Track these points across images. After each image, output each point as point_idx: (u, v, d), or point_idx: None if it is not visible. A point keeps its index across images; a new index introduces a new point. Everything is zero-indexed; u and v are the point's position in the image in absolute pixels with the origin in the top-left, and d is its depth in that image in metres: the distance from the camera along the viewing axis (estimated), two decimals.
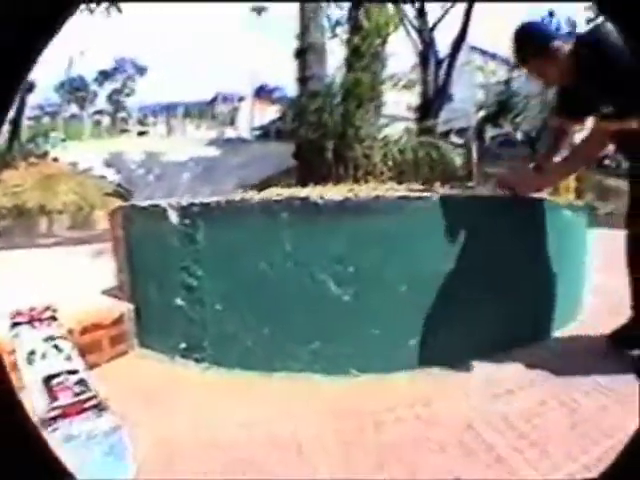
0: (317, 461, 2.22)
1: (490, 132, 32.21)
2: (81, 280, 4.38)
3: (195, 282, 3.23)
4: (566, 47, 3.31)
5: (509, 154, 24.78)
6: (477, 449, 2.27)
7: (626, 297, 3.36)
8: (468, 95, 43.34)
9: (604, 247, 5.21)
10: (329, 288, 3.04)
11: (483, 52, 59.74)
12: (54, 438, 2.20)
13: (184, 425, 2.54)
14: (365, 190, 3.57)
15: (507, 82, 40.88)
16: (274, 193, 3.34)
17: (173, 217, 3.26)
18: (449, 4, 25.92)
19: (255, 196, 3.28)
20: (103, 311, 3.43)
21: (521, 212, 3.59)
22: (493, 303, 3.34)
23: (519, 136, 31.08)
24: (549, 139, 3.90)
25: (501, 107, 33.72)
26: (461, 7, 25.72)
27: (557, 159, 3.79)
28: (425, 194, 3.21)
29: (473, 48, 46.35)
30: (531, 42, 3.39)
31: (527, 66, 3.50)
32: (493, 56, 61.76)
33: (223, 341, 3.20)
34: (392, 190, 3.67)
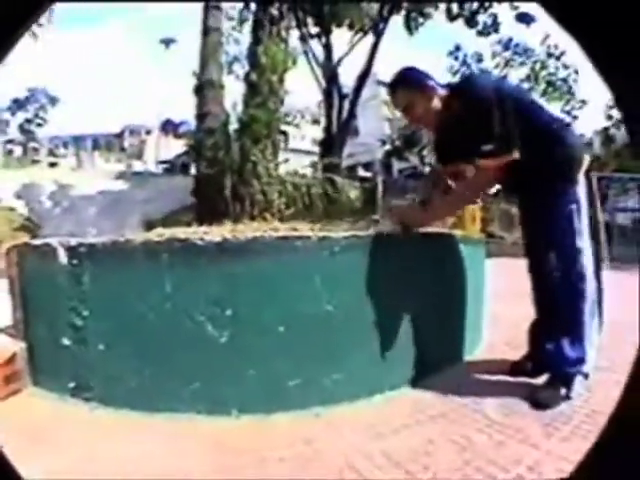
0: None
1: (397, 165, 32.63)
2: None
3: (81, 322, 3.23)
4: (440, 91, 3.62)
5: (416, 187, 25.15)
6: None
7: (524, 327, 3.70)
8: (374, 129, 43.95)
9: (507, 276, 5.46)
10: (207, 330, 3.07)
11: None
12: None
13: (72, 461, 2.55)
14: (247, 229, 3.64)
15: None
16: (157, 234, 3.37)
17: (62, 257, 3.26)
18: (356, 39, 26.21)
19: (139, 237, 3.29)
20: None
21: (415, 247, 3.73)
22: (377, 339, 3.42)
23: (426, 169, 31.58)
24: (430, 178, 4.27)
25: (406, 140, 34.21)
26: (368, 41, 26.06)
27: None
28: (305, 234, 3.28)
29: (379, 82, 47.00)
30: (407, 81, 3.67)
31: (400, 103, 3.73)
32: None
33: (109, 381, 3.20)
34: (274, 230, 3.76)
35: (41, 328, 3.50)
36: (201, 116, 11.91)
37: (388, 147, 35.80)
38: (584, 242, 3.43)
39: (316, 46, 26.55)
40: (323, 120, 27.80)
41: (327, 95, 26.35)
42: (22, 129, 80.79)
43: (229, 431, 2.93)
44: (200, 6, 15.90)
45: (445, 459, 2.57)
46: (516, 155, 3.33)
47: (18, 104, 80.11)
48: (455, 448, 2.68)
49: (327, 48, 26.62)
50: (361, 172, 27.76)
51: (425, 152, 33.08)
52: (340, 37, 27.83)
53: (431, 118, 3.68)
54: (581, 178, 3.49)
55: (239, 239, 3.16)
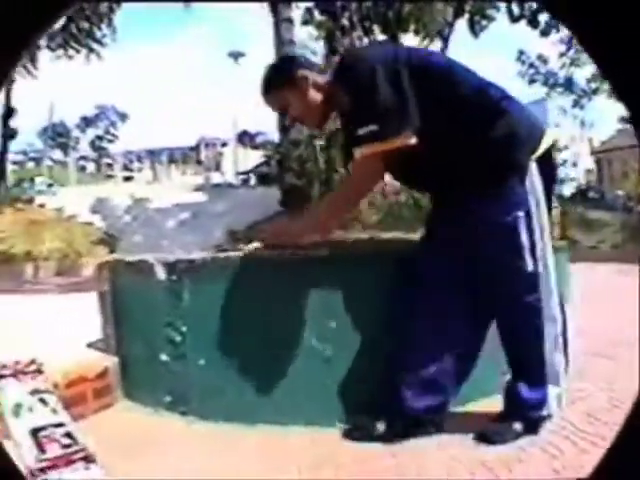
0: None
1: None
2: (67, 331, 4.38)
3: (180, 337, 3.25)
4: (318, 79, 3.03)
5: None
6: None
7: None
8: None
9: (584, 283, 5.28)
10: (311, 342, 3.07)
11: None
12: None
13: (168, 474, 2.56)
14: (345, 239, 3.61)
15: None
16: (254, 247, 3.32)
17: (160, 273, 3.29)
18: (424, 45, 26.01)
19: (237, 252, 3.29)
20: (88, 364, 3.45)
21: None
22: None
23: None
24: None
25: None
26: (436, 47, 25.94)
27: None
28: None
29: None
30: (270, 79, 3.13)
31: (270, 97, 3.16)
32: None
33: (207, 395, 3.21)
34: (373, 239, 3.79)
35: (136, 343, 3.54)
36: (285, 128, 11.95)
37: None
38: (539, 262, 2.78)
39: None
40: None
41: None
42: (93, 146, 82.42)
43: (332, 444, 2.89)
44: (270, 19, 16.04)
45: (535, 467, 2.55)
46: (410, 139, 2.66)
47: (87, 121, 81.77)
48: (545, 456, 2.63)
49: None
50: None
51: None
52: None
53: (313, 114, 3.10)
54: (533, 167, 2.76)
55: (342, 250, 3.19)
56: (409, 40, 26.02)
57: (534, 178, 2.75)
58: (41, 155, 66.41)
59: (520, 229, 2.72)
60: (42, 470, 2.34)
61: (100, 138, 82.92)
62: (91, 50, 26.64)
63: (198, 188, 22.60)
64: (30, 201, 25.88)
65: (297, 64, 3.10)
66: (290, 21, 13.86)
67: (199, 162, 77.74)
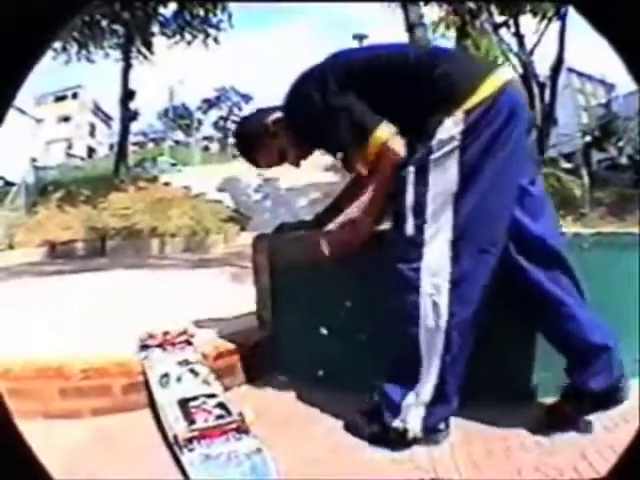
0: None
1: (596, 156, 31.36)
2: (213, 304, 4.37)
3: (341, 312, 3.16)
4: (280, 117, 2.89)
5: (617, 179, 24.08)
6: None
7: None
8: (572, 118, 42.63)
9: None
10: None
11: (580, 74, 58.83)
12: (190, 458, 2.26)
13: (322, 450, 2.49)
14: None
15: (607, 104, 39.96)
16: None
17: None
18: (542, 25, 25.30)
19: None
20: (240, 337, 3.45)
21: None
22: None
23: (624, 160, 30.20)
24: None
25: (604, 130, 32.78)
26: (555, 29, 25.34)
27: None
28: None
29: (570, 70, 45.55)
30: (248, 134, 3.03)
31: (258, 160, 3.06)
32: (589, 77, 60.93)
33: (361, 371, 3.02)
34: None
35: (291, 318, 3.47)
36: None
37: (588, 138, 34.52)
38: (428, 229, 2.39)
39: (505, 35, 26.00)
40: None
41: (526, 85, 25.77)
42: (217, 127, 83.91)
43: None
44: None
45: None
46: (385, 133, 2.49)
47: (209, 103, 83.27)
48: None
49: (519, 37, 26.02)
50: (562, 164, 26.77)
51: (622, 143, 31.66)
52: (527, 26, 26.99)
53: (292, 151, 2.97)
54: (450, 122, 2.36)
55: None
56: (526, 20, 25.65)
57: (452, 132, 2.35)
58: (162, 136, 68.12)
59: (407, 184, 2.42)
60: (190, 440, 2.33)
61: (224, 119, 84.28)
62: (207, 35, 27.19)
63: (329, 168, 22.40)
64: (154, 180, 26.57)
65: (261, 117, 2.97)
66: (416, 3, 13.77)
67: None
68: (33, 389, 2.86)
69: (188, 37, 27.37)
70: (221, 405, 2.60)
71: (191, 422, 2.45)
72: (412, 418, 2.44)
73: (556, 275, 2.52)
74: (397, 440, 2.45)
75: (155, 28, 27.41)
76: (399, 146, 2.51)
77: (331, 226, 3.05)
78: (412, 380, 2.46)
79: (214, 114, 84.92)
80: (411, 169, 2.41)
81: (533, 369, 2.93)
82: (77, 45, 26.27)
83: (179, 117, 77.98)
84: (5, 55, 1.65)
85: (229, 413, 2.52)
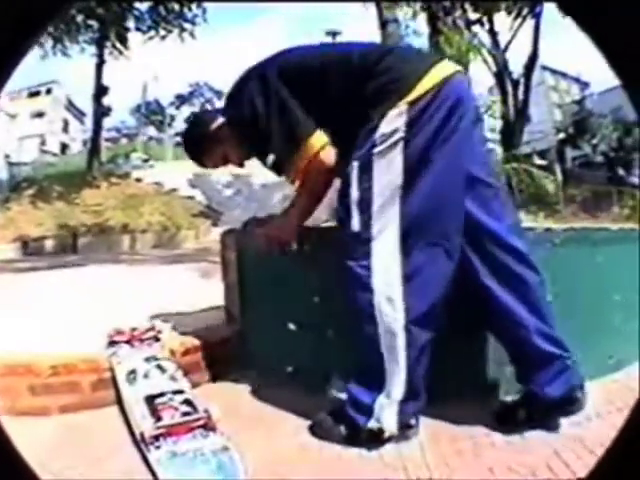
0: None
1: (570, 153, 31.62)
2: (183, 300, 4.35)
3: (310, 307, 3.12)
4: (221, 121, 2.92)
5: (591, 176, 24.34)
6: None
7: None
8: (545, 116, 42.90)
9: None
10: None
11: (553, 71, 59.20)
12: (156, 455, 2.26)
13: (290, 448, 2.47)
14: None
15: (581, 101, 40.30)
16: None
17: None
18: (517, 23, 25.45)
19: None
20: (207, 333, 3.43)
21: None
22: None
23: (598, 157, 30.49)
24: None
25: (578, 127, 33.02)
26: (528, 26, 25.55)
27: None
28: (530, 225, 3.15)
29: (544, 68, 45.80)
30: (193, 139, 3.07)
31: (204, 162, 3.09)
32: (563, 75, 61.32)
33: (331, 367, 3.02)
34: None
35: (260, 312, 3.44)
36: None
37: (562, 135, 34.72)
38: (375, 225, 2.36)
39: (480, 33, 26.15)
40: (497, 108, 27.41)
41: (500, 81, 25.94)
42: None
43: None
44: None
45: None
46: (319, 140, 2.53)
47: (182, 99, 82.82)
48: None
49: (492, 34, 26.16)
50: (536, 160, 26.99)
51: (596, 140, 31.93)
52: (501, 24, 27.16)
53: (239, 153, 2.99)
54: (394, 114, 2.33)
55: None
56: (500, 18, 25.82)
57: (396, 124, 2.31)
58: (135, 132, 67.68)
59: (351, 180, 2.39)
60: (157, 438, 2.33)
61: None
62: (183, 30, 27.14)
63: None
64: (126, 176, 26.45)
65: (203, 124, 3.01)
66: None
67: None
68: (2, 386, 2.84)
69: (163, 32, 27.29)
70: (188, 402, 2.59)
71: (157, 419, 2.44)
72: (386, 417, 2.41)
73: (510, 277, 2.47)
74: (370, 440, 2.42)
75: (130, 23, 27.33)
76: (330, 156, 2.55)
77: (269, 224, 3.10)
78: (379, 380, 2.43)
79: (187, 110, 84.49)
80: (355, 164, 2.38)
81: (497, 364, 2.90)
82: (52, 40, 26.13)
83: (152, 113, 77.51)
84: None
85: (196, 410, 2.51)
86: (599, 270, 3.16)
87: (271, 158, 2.67)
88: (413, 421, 2.49)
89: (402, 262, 2.33)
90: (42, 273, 8.57)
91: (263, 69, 2.67)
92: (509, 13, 24.63)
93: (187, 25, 27.11)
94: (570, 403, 2.48)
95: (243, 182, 24.35)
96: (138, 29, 27.45)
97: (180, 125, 79.16)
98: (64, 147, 68.70)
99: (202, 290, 4.23)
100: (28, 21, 1.70)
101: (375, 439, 2.42)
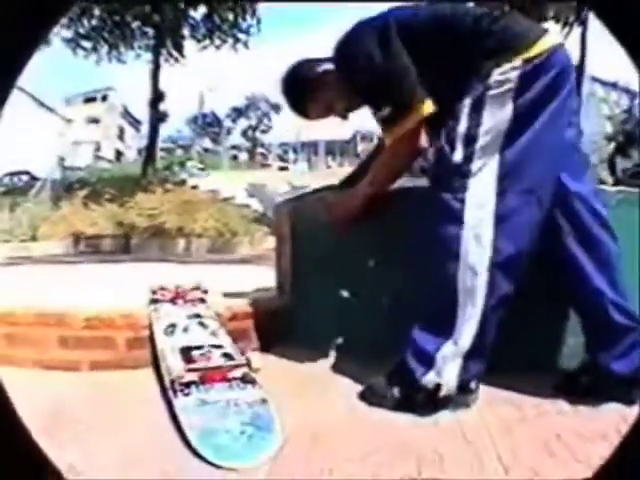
0: None
1: (620, 164, 31.11)
2: (231, 282, 4.30)
3: (363, 278, 3.08)
4: (331, 68, 2.80)
5: None
6: None
7: None
8: (597, 128, 42.27)
9: None
10: None
11: (604, 83, 58.62)
12: (184, 403, 2.12)
13: (337, 413, 2.33)
14: None
15: (630, 110, 39.73)
16: None
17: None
18: (564, 33, 25.17)
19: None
20: (257, 302, 3.30)
21: None
22: None
23: None
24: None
25: (628, 136, 32.56)
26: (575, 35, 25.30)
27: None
28: None
29: (594, 79, 45.33)
30: (298, 84, 2.93)
31: (307, 110, 2.96)
32: (614, 85, 60.74)
33: (385, 341, 2.78)
34: None
35: (312, 285, 3.36)
36: None
37: (612, 144, 34.25)
38: (476, 160, 2.33)
39: None
40: None
41: None
42: (246, 135, 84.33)
43: None
44: None
45: None
46: (429, 108, 2.48)
47: (238, 112, 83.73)
48: None
49: None
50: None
51: None
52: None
53: (343, 102, 2.89)
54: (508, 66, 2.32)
55: None
56: (549, 26, 25.58)
57: (509, 75, 2.32)
58: (190, 143, 68.60)
59: (461, 115, 2.38)
60: (187, 385, 2.20)
61: (253, 128, 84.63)
62: (237, 40, 27.40)
63: None
64: (182, 183, 26.65)
65: (312, 66, 2.90)
66: None
67: (357, 155, 77.80)
68: (30, 337, 2.76)
69: (217, 41, 27.58)
70: (227, 355, 2.47)
71: (190, 364, 2.35)
72: (448, 372, 2.30)
73: (592, 241, 2.45)
74: (424, 402, 2.31)
75: (185, 31, 27.66)
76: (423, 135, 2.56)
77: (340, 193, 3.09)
78: (449, 326, 2.33)
79: (243, 123, 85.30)
80: (467, 102, 2.36)
81: (561, 335, 2.80)
82: (107, 45, 26.57)
83: (208, 125, 78.50)
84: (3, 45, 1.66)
85: (234, 360, 2.40)
86: None
87: (387, 111, 2.55)
88: (473, 385, 2.37)
89: (496, 202, 2.30)
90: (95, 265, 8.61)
91: (379, 23, 2.60)
92: (557, 21, 24.43)
93: (241, 35, 27.43)
94: (636, 382, 2.39)
95: (300, 192, 24.45)
96: (193, 37, 27.80)
97: (236, 138, 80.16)
98: (119, 154, 70.14)
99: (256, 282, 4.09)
100: (40, 16, 1.73)
101: (431, 400, 2.30)
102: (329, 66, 2.80)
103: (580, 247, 2.44)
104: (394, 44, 2.51)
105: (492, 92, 2.32)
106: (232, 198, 23.83)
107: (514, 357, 2.54)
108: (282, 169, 53.04)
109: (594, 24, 23.76)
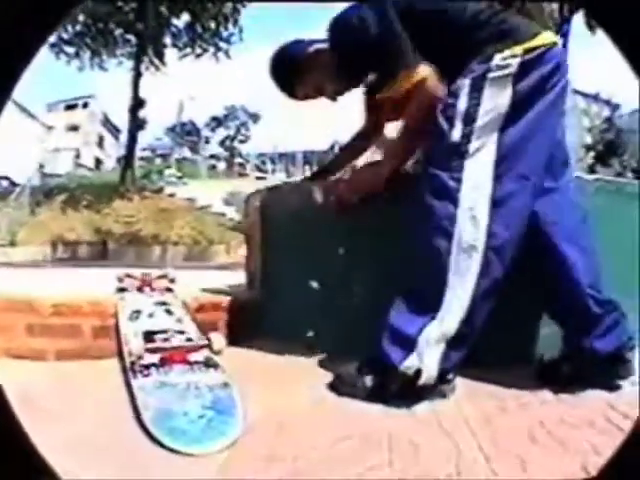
0: None
1: (600, 174, 31.43)
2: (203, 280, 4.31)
3: (338, 268, 3.06)
4: (323, 47, 2.78)
5: None
6: None
7: None
8: (577, 139, 42.70)
9: None
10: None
11: (585, 95, 59.02)
12: (142, 383, 2.11)
13: (304, 403, 2.30)
14: None
15: (610, 119, 40.13)
16: None
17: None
18: None
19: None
20: (224, 293, 3.33)
21: None
22: None
23: (629, 175, 30.15)
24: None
25: (608, 145, 32.77)
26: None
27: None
28: None
29: (576, 91, 45.65)
30: (288, 62, 2.91)
31: (295, 90, 2.95)
32: (595, 97, 61.17)
33: (356, 333, 2.71)
34: None
35: (282, 277, 3.37)
36: None
37: (592, 154, 34.49)
38: (474, 141, 2.33)
39: None
40: None
41: None
42: (224, 145, 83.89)
43: None
44: None
45: None
46: (424, 71, 2.45)
47: (217, 121, 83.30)
48: None
49: None
50: None
51: (626, 157, 31.64)
52: None
53: (334, 83, 2.87)
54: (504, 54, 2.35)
55: None
56: None
57: (509, 61, 2.34)
58: (169, 152, 68.16)
59: (460, 93, 2.36)
60: (147, 367, 2.20)
61: (231, 138, 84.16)
62: (218, 49, 27.37)
63: None
64: (159, 191, 26.54)
65: (301, 47, 2.88)
66: None
67: None
68: None
69: (199, 50, 27.58)
70: (190, 340, 2.49)
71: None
72: (429, 356, 2.24)
73: (572, 232, 2.52)
74: (398, 392, 2.25)
75: (167, 39, 27.64)
76: (438, 87, 2.49)
77: (348, 171, 3.11)
78: (433, 309, 2.28)
79: (222, 132, 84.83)
80: (467, 81, 2.35)
81: (537, 325, 2.84)
82: (90, 52, 26.53)
83: (186, 133, 78.10)
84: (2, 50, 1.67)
85: (197, 343, 2.43)
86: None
87: (371, 77, 2.66)
88: (451, 375, 2.35)
89: (493, 186, 2.30)
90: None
91: (377, 4, 2.59)
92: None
93: (222, 44, 27.43)
94: (619, 360, 2.45)
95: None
96: (175, 45, 27.77)
97: (215, 148, 79.72)
98: (98, 162, 69.48)
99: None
100: (40, 19, 1.75)
101: (407, 389, 2.25)
102: (321, 46, 2.79)
103: (560, 236, 2.47)
104: (392, 18, 2.50)
105: (492, 74, 2.33)
106: (209, 206, 23.76)
107: (492, 349, 2.51)
108: (260, 179, 52.90)
109: (575, 37, 23.98)
